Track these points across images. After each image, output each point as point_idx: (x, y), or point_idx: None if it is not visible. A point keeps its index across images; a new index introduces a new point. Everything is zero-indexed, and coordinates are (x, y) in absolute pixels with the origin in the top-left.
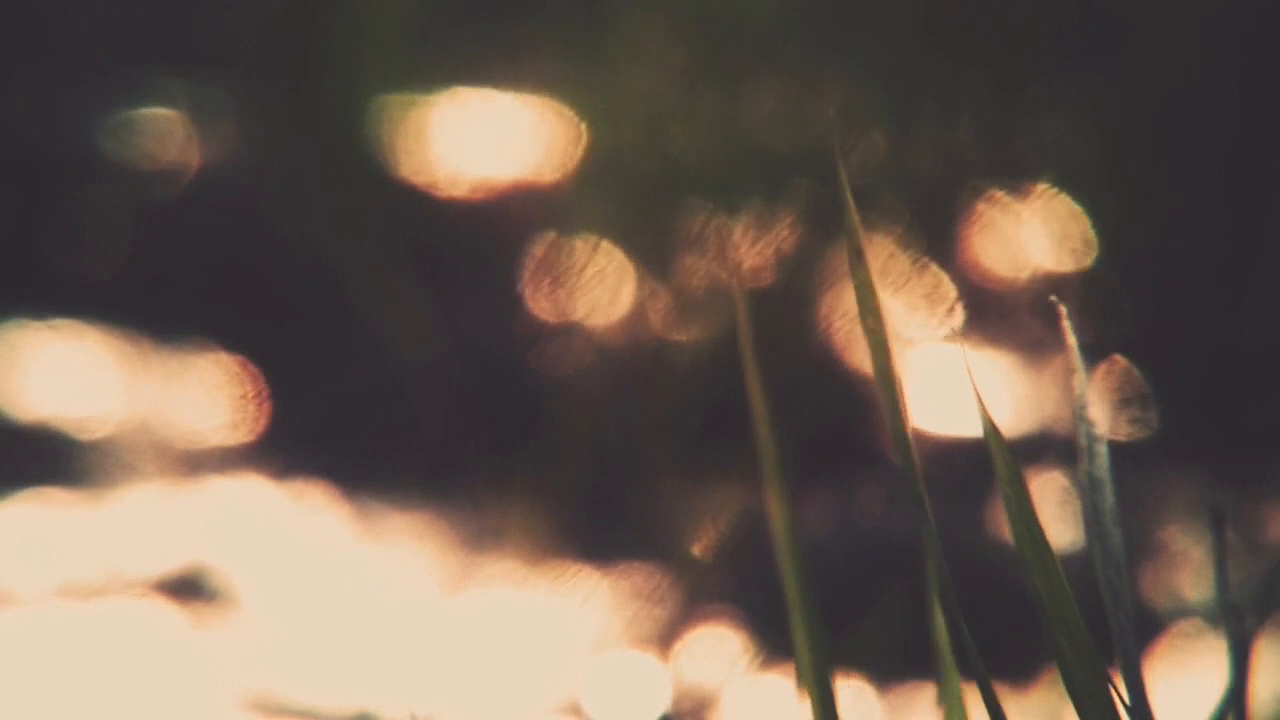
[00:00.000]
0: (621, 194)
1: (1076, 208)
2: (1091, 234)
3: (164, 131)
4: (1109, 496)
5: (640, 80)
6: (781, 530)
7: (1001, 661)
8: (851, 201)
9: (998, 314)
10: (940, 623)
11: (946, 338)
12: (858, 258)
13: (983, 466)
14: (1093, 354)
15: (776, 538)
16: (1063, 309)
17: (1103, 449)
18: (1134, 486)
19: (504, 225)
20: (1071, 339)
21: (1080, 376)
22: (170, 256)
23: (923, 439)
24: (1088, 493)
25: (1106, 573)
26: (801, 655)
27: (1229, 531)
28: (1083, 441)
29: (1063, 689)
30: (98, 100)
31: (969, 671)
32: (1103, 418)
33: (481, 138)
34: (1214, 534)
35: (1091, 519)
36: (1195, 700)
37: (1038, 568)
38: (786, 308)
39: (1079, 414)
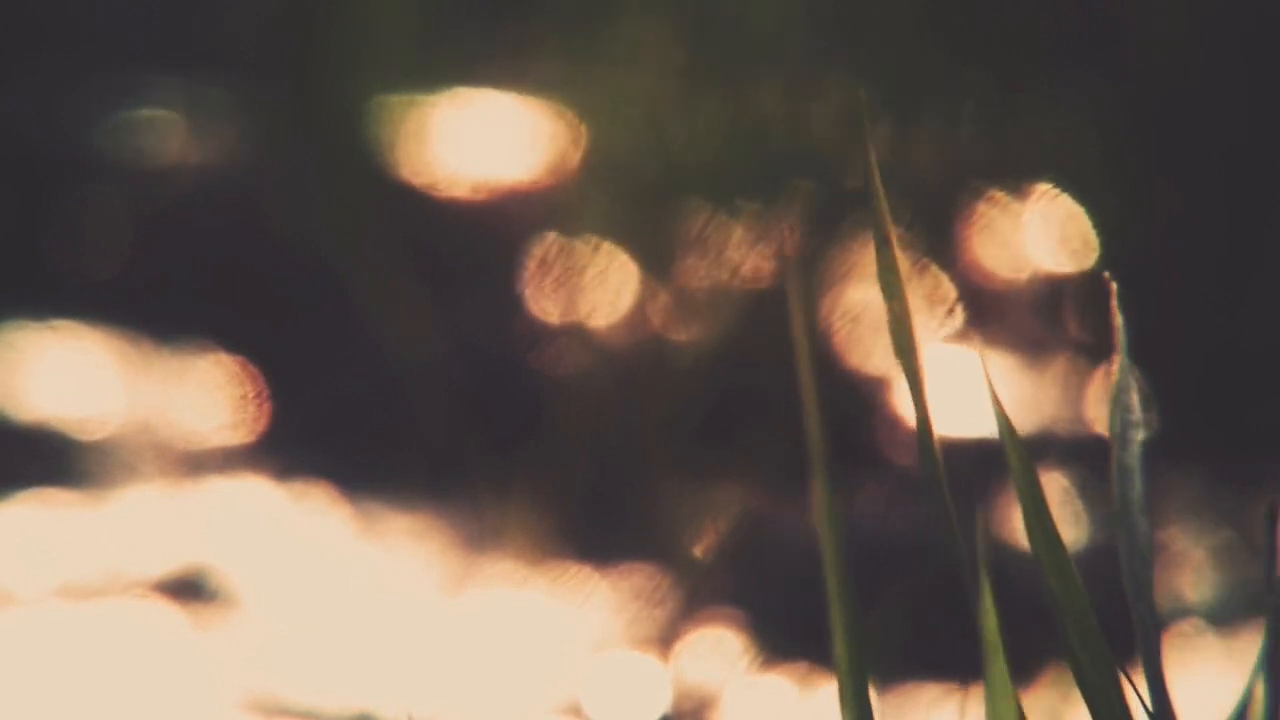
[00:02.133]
0: (621, 194)
1: (1076, 208)
2: (1091, 234)
3: (164, 131)
4: (1138, 485)
5: (640, 80)
6: (825, 526)
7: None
8: (879, 185)
9: (998, 314)
10: (987, 612)
11: (947, 338)
12: (884, 243)
13: (981, 467)
14: (1093, 354)
15: (820, 533)
16: (1113, 286)
17: (1137, 436)
18: None
19: (504, 225)
20: (1118, 319)
21: (1123, 360)
22: (170, 256)
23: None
24: (1117, 481)
25: (1131, 563)
26: (840, 652)
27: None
28: (1117, 428)
29: (1065, 688)
30: (98, 100)
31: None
32: (1139, 406)
33: (481, 138)
34: (1267, 530)
35: (1120, 508)
36: (1196, 700)
37: (1051, 565)
38: (786, 308)
39: (1117, 399)
